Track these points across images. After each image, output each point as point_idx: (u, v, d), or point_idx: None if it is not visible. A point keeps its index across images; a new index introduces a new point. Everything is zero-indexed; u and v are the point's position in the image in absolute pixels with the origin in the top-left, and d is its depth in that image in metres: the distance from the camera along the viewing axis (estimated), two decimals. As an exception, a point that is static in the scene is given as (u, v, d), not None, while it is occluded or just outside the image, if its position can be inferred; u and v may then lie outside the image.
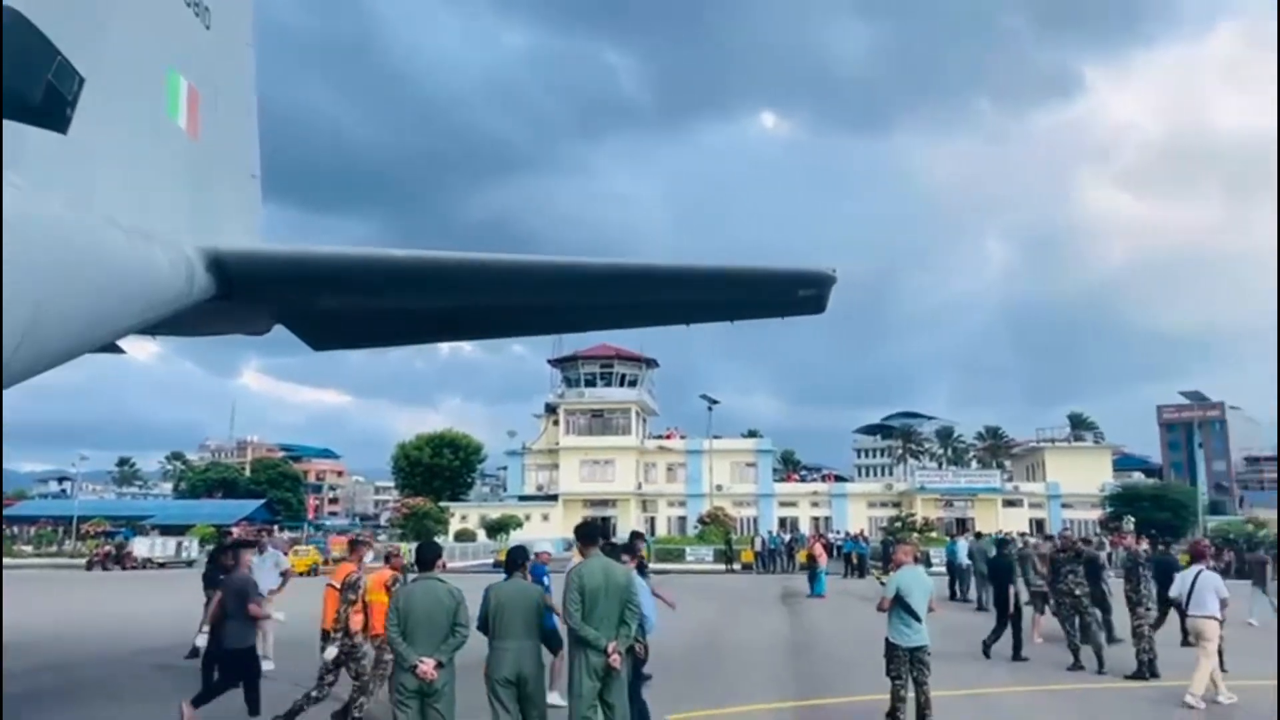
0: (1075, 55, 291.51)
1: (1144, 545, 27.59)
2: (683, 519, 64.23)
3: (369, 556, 9.45)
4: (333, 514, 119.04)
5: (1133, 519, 49.64)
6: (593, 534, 6.95)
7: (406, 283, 8.88)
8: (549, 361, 67.36)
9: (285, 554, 14.29)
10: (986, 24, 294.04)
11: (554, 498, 63.22)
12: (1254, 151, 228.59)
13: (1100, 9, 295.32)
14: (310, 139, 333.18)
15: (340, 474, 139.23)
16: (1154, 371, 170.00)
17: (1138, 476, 74.92)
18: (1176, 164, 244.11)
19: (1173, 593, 11.18)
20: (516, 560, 7.26)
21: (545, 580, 9.70)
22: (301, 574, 39.65)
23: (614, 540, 9.40)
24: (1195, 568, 10.98)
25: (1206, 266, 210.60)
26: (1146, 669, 11.58)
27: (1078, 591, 12.86)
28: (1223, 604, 10.48)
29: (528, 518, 57.34)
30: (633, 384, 66.95)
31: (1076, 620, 12.86)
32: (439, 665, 6.30)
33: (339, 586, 8.62)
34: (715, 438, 64.87)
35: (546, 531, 54.27)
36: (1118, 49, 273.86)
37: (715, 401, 58.88)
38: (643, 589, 8.27)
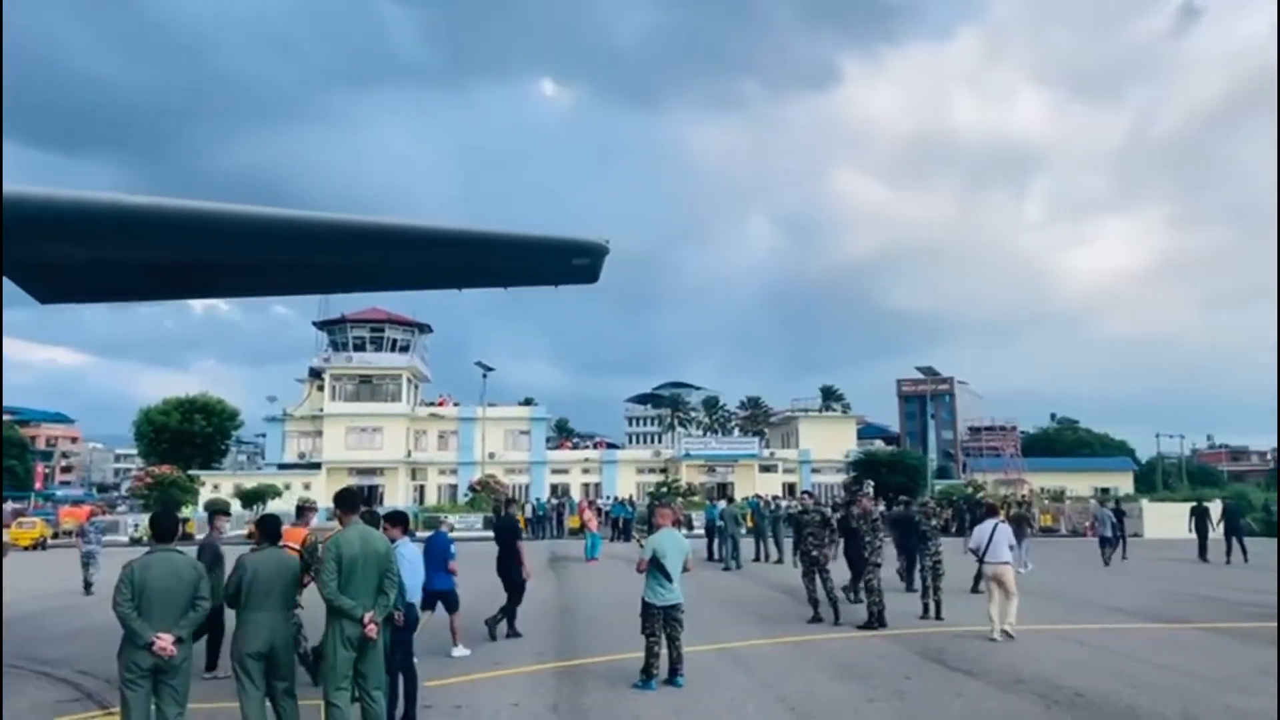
0: (834, 48, 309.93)
1: (880, 507, 30.31)
2: (454, 487, 63.46)
3: (314, 520, 10.34)
4: (65, 483, 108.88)
5: (872, 483, 53.95)
6: (352, 501, 6.74)
7: (140, 232, 8.12)
8: (315, 324, 64.17)
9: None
10: (755, 10, 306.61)
11: (317, 466, 60.56)
12: (989, 151, 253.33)
13: (855, 4, 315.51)
14: (58, 78, 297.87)
15: (75, 440, 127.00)
16: (894, 348, 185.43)
17: (878, 444, 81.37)
18: (920, 158, 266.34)
19: (971, 544, 12.59)
20: (270, 529, 6.96)
21: (451, 549, 10.91)
22: (26, 548, 35.96)
23: (375, 508, 9.22)
24: (991, 522, 12.51)
25: (939, 255, 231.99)
26: (876, 620, 12.72)
27: (814, 552, 13.87)
28: (1012, 551, 12.38)
29: (287, 487, 54.56)
30: (405, 349, 65.13)
31: (815, 576, 13.88)
32: (178, 641, 5.94)
33: (298, 550, 8.79)
34: (489, 405, 64.44)
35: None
36: (870, 44, 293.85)
37: (490, 369, 58.44)
38: (411, 559, 8.13)
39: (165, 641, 5.87)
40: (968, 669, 9.99)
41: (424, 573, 8.70)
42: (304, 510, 10.60)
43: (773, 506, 28.79)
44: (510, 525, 13.20)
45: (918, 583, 15.74)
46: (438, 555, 10.68)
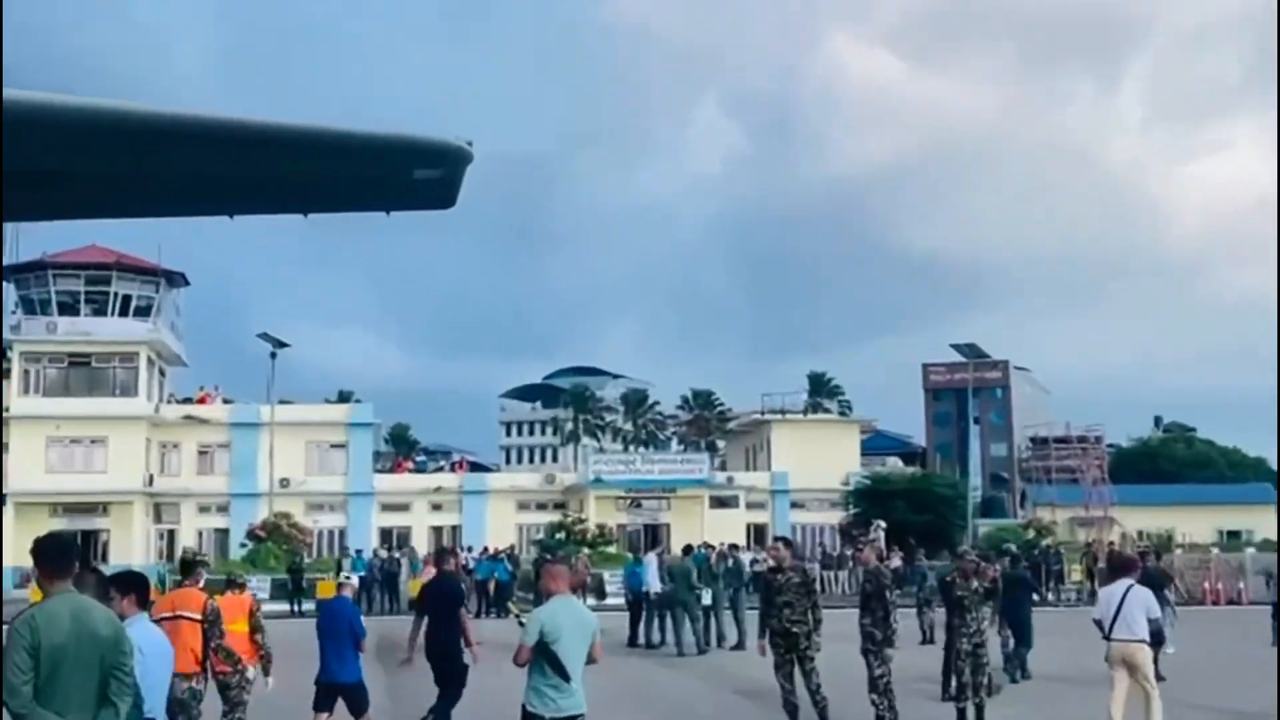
0: None
1: (895, 560, 30.99)
2: (224, 533, 62.85)
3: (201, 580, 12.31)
4: None
5: (883, 524, 54.99)
6: (60, 557, 6.61)
7: None
8: (-4, 271, 62.68)
9: None
10: None
11: None
12: (1064, 9, 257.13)
13: None
14: None
15: None
16: (917, 315, 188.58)
17: (893, 463, 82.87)
18: (957, 20, 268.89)
19: (1095, 614, 13.27)
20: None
21: (359, 622, 12.80)
22: None
23: (98, 567, 9.17)
24: (1123, 583, 13.00)
25: (984, 171, 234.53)
26: None
27: (795, 629, 14.03)
28: (1152, 627, 12.95)
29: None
30: (144, 312, 63.98)
31: (793, 666, 14.06)
32: None
33: (199, 618, 10.98)
34: (282, 403, 63.78)
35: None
36: None
37: (282, 344, 57.69)
38: (153, 649, 7.98)
39: None
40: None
41: (178, 670, 9.35)
42: (193, 566, 13.03)
43: (730, 562, 29.11)
44: (450, 587, 14.93)
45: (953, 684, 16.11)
46: (340, 629, 11.63)
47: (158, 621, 9.95)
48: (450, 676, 13.64)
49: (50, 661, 6.23)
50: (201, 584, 12.16)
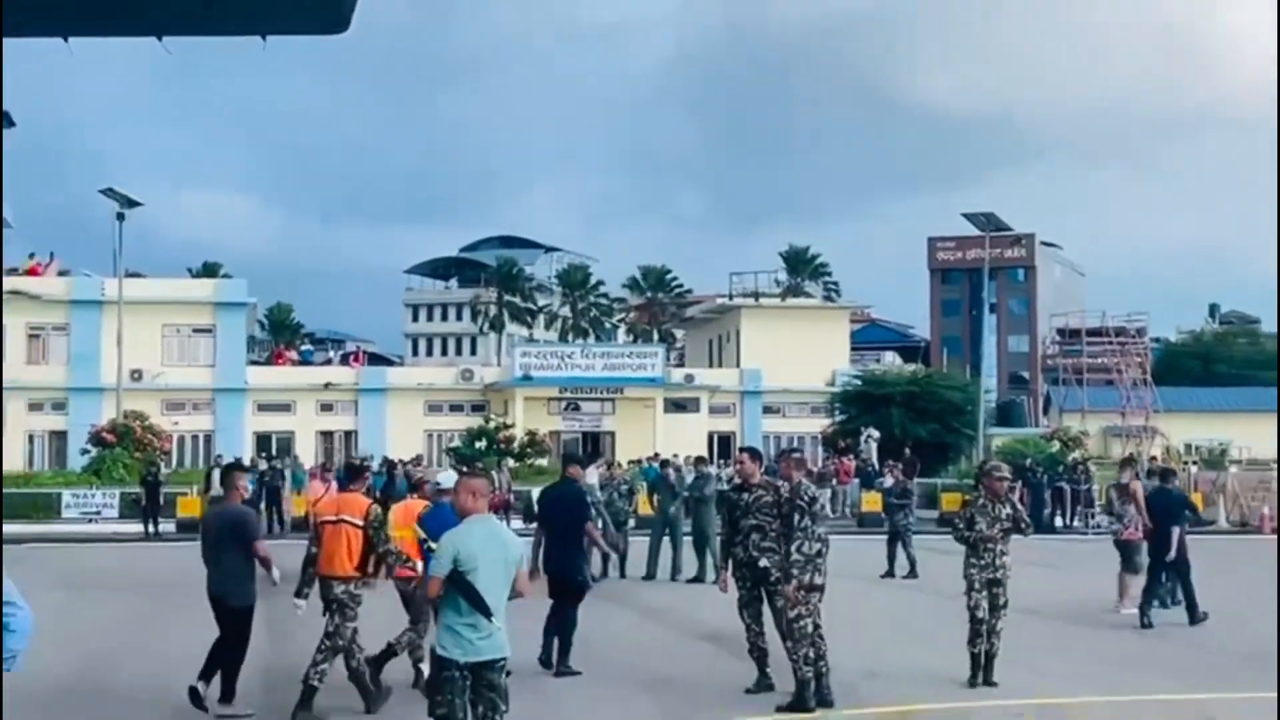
0: None
1: (888, 479, 31.29)
2: (61, 435, 63.01)
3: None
4: None
5: (876, 433, 55.44)
6: None
7: None
8: None
9: None
10: None
11: None
12: None
13: None
14: None
15: None
16: (922, 175, 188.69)
17: (890, 359, 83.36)
18: None
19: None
20: None
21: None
22: None
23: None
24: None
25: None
26: (812, 694, 13.21)
27: (763, 561, 14.18)
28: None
29: None
30: (-46, 160, 63.13)
31: (761, 605, 14.26)
32: None
33: (361, 523, 12.69)
34: (131, 275, 63.32)
35: None
36: None
37: (134, 202, 57.07)
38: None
39: None
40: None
41: (336, 573, 12.56)
42: (361, 471, 15.13)
43: (689, 476, 29.27)
44: (574, 495, 16.55)
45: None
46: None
47: (320, 525, 13.06)
48: (567, 593, 15.21)
49: None
50: (366, 488, 14.59)
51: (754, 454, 15.74)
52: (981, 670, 14.40)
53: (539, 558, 15.44)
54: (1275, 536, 30.35)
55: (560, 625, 15.16)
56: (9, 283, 65.95)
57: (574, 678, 14.80)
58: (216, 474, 43.97)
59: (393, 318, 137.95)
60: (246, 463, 46.06)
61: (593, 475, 28.04)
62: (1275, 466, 52.88)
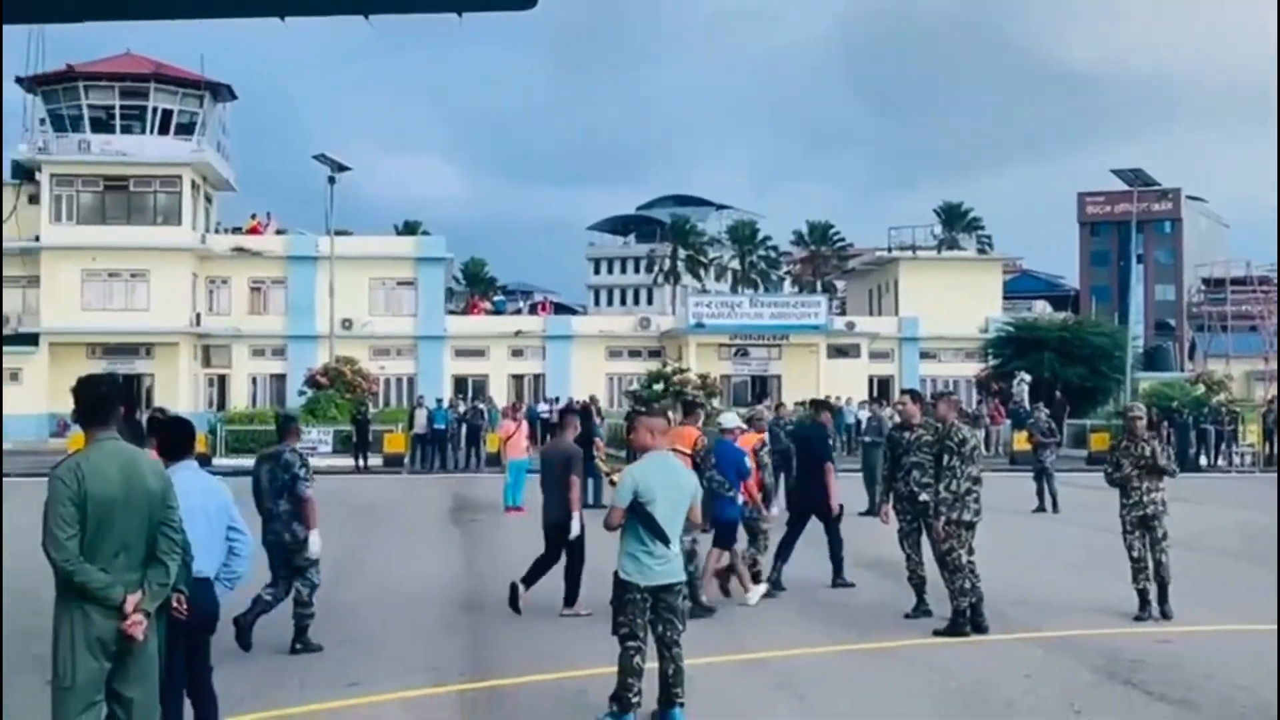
0: None
1: (1042, 413, 30.78)
2: (280, 379, 64.13)
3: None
4: None
5: (1028, 376, 54.63)
6: (103, 403, 6.73)
7: None
8: (19, 81, 63.03)
9: None
10: None
11: (32, 339, 60.52)
12: None
13: None
14: None
15: None
16: (1074, 135, 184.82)
17: (1041, 307, 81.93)
18: None
19: None
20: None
21: (746, 462, 14.82)
22: None
23: (138, 415, 9.33)
24: None
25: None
26: (965, 620, 13.10)
27: (922, 496, 14.08)
28: None
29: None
30: (187, 130, 64.27)
31: (920, 535, 14.22)
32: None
33: (689, 453, 13.48)
34: (341, 233, 64.25)
35: (16, 399, 52.15)
36: None
37: (344, 167, 57.86)
38: (207, 504, 8.13)
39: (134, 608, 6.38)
40: (1182, 697, 10.36)
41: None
42: (695, 407, 17.90)
43: (853, 420, 29.12)
44: (818, 435, 17.77)
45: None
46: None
47: None
48: (831, 522, 16.25)
49: (97, 515, 6.39)
50: (700, 423, 15.77)
51: (915, 396, 15.67)
52: (1154, 603, 14.12)
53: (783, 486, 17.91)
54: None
55: (831, 544, 16.22)
56: (235, 240, 67.23)
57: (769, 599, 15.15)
58: (421, 412, 44.92)
59: (577, 271, 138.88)
60: (445, 404, 46.85)
61: (763, 409, 27.90)
62: None
